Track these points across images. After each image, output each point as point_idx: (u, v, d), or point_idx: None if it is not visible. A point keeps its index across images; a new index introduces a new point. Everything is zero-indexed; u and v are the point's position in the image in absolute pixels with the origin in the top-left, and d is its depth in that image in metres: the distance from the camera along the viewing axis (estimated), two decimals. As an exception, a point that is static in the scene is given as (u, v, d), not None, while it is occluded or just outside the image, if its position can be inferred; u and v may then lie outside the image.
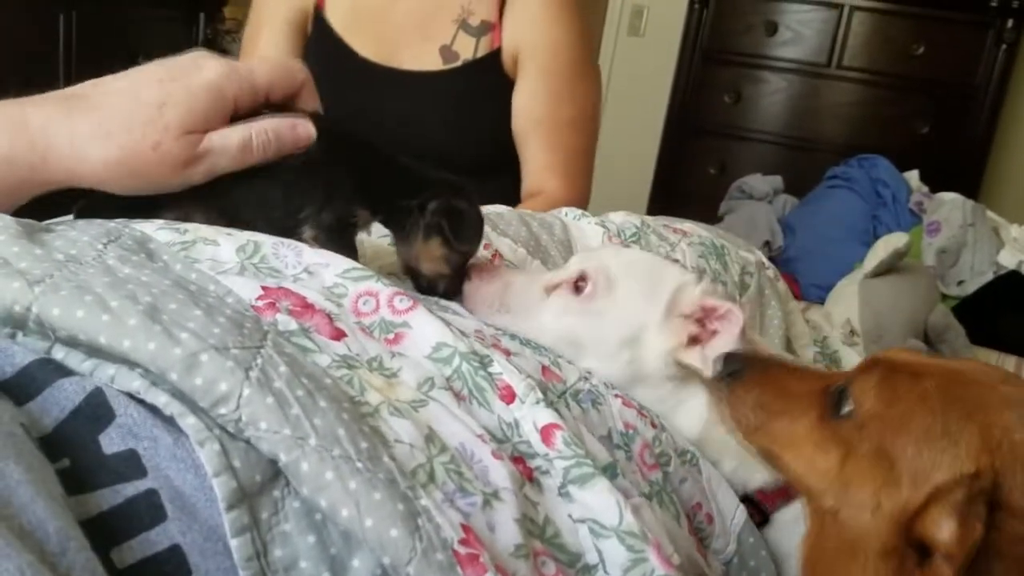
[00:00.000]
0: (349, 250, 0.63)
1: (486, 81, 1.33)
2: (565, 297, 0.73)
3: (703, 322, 0.71)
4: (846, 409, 0.54)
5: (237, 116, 0.62)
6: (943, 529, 0.46)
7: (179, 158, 0.59)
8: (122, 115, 0.58)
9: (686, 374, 0.71)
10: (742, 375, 0.62)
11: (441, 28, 1.32)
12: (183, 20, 2.86)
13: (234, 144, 0.60)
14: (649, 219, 1.00)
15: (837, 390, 0.56)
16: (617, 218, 0.97)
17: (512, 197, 1.33)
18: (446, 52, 1.32)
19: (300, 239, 0.62)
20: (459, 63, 1.32)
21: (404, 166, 0.68)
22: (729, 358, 0.64)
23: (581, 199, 1.37)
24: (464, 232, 0.67)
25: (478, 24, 1.31)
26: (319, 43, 1.35)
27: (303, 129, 0.63)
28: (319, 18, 1.35)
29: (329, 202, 0.63)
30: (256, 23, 1.41)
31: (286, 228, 0.62)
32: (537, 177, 1.35)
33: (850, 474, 0.52)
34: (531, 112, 1.33)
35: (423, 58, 1.32)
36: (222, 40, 3.14)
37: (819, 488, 0.54)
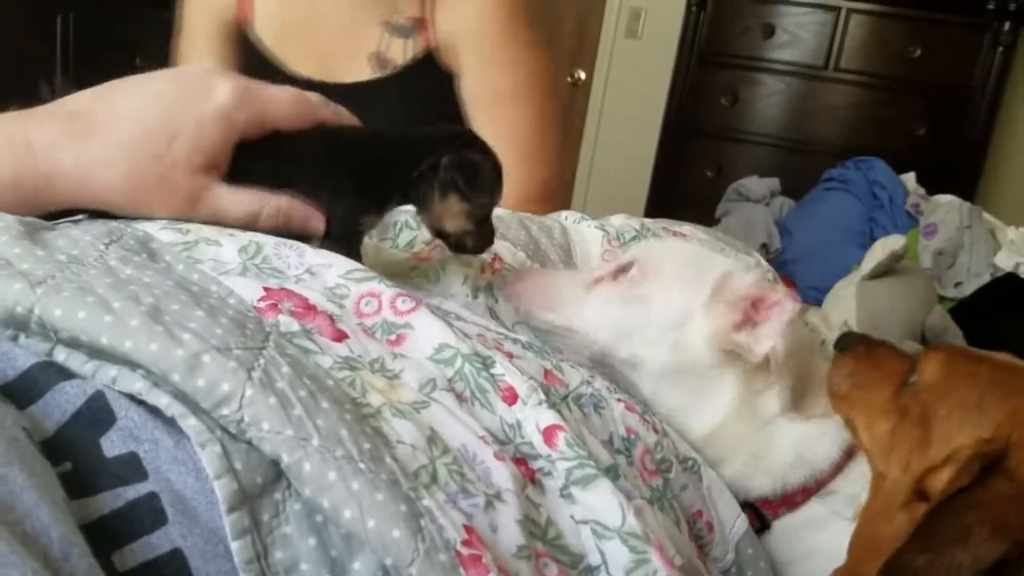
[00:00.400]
0: (355, 257, 0.63)
1: (424, 84, 1.25)
2: (608, 287, 0.74)
3: (752, 310, 0.71)
4: (911, 379, 0.58)
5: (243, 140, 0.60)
6: (943, 480, 0.51)
7: (184, 193, 0.58)
8: (128, 144, 0.56)
9: (728, 361, 0.71)
10: (851, 349, 0.67)
11: (368, 33, 1.24)
12: (180, 22, 2.86)
13: (242, 212, 0.60)
14: (649, 222, 1.00)
15: (913, 366, 0.60)
16: (616, 221, 0.97)
17: None
18: (376, 59, 1.24)
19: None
20: (391, 70, 1.24)
21: (404, 139, 0.67)
22: (846, 335, 0.70)
23: (540, 179, 1.27)
24: (479, 183, 0.64)
25: (405, 23, 1.23)
26: (249, 62, 1.27)
27: (315, 225, 0.62)
28: (244, 37, 1.27)
29: (334, 214, 0.63)
30: (186, 34, 1.33)
31: (293, 238, 0.62)
32: None
33: (897, 438, 0.56)
34: (472, 95, 1.25)
35: (355, 68, 1.24)
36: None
37: (875, 453, 0.58)
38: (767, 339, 0.68)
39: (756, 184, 2.56)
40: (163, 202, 0.58)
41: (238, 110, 0.58)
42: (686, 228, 1.02)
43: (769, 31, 3.06)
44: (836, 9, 2.98)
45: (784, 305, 0.69)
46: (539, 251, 0.86)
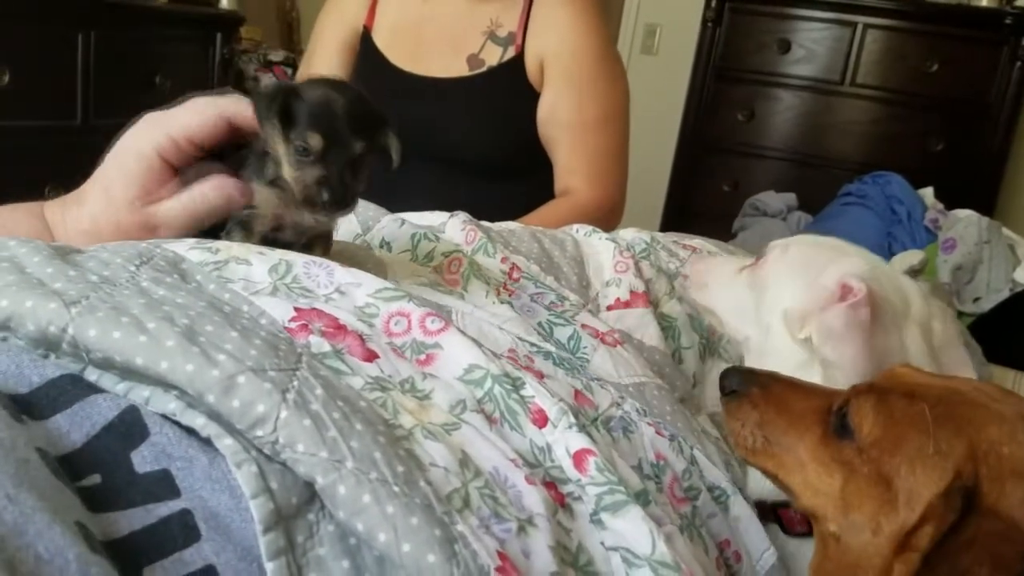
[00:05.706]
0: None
1: (508, 86, 1.41)
2: (747, 273, 0.80)
3: (839, 297, 0.71)
4: (847, 433, 0.54)
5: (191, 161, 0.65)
6: (928, 535, 0.48)
7: (137, 225, 0.64)
8: (94, 209, 0.65)
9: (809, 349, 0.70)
10: (744, 392, 0.60)
11: (471, 40, 1.44)
12: (200, 40, 2.89)
13: (179, 215, 0.65)
14: (659, 235, 1.00)
15: (838, 412, 0.55)
16: (627, 235, 0.98)
17: (539, 198, 1.40)
18: (473, 60, 1.43)
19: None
20: (484, 68, 1.42)
21: None
22: (727, 374, 0.62)
23: (608, 198, 1.42)
24: (291, 118, 0.59)
25: (505, 35, 1.42)
26: (365, 60, 1.52)
27: (236, 191, 0.64)
28: (366, 38, 1.51)
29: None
30: (314, 43, 1.60)
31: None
32: (565, 179, 1.42)
33: (851, 497, 0.52)
34: (556, 117, 1.40)
35: (452, 66, 1.44)
36: (239, 60, 3.17)
37: (823, 512, 0.54)
38: (827, 339, 0.67)
39: (773, 199, 2.55)
40: (129, 238, 0.63)
41: (148, 148, 0.64)
42: (696, 241, 1.02)
43: (785, 46, 3.06)
44: (852, 24, 2.97)
45: (856, 301, 0.67)
46: (552, 263, 0.86)
